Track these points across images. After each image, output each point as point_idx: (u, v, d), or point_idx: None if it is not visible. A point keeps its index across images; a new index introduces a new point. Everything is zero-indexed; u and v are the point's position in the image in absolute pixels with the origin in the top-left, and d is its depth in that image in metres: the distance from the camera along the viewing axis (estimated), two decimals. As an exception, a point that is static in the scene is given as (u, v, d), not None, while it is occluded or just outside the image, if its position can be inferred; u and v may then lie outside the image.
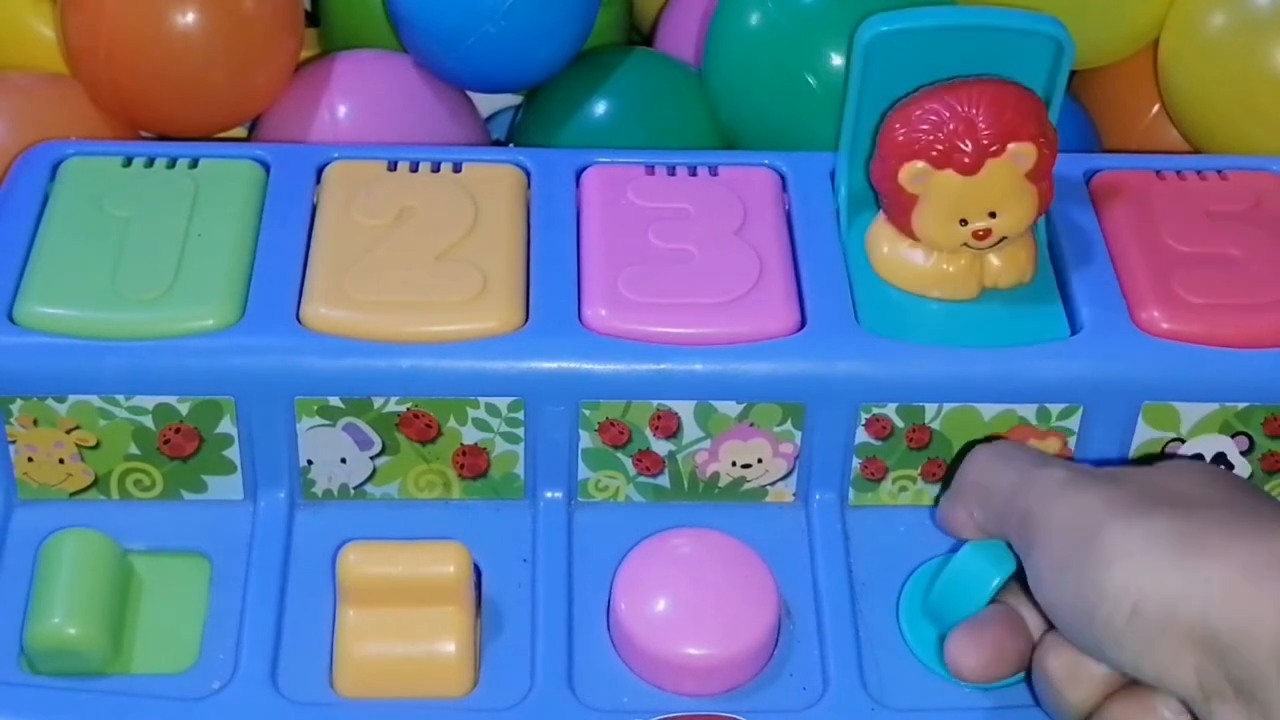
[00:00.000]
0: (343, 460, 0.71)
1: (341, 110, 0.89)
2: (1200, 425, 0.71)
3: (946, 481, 0.72)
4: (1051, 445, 0.71)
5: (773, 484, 0.72)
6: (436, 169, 0.76)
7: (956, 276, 0.72)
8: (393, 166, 0.76)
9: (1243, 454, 0.72)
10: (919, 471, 0.72)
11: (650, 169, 0.77)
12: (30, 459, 0.70)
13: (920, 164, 0.68)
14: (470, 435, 0.70)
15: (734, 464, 0.72)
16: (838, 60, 0.84)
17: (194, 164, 0.76)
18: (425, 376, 0.69)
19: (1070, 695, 0.62)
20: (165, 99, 0.86)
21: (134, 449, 0.70)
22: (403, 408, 0.70)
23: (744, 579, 0.68)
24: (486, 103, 0.98)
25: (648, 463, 0.72)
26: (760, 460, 0.72)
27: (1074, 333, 0.71)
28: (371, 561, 0.65)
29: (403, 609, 0.65)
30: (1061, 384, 0.70)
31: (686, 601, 0.67)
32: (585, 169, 0.77)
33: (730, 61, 0.89)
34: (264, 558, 0.70)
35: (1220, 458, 0.72)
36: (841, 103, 0.73)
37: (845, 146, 0.74)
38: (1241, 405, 0.71)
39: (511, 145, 0.98)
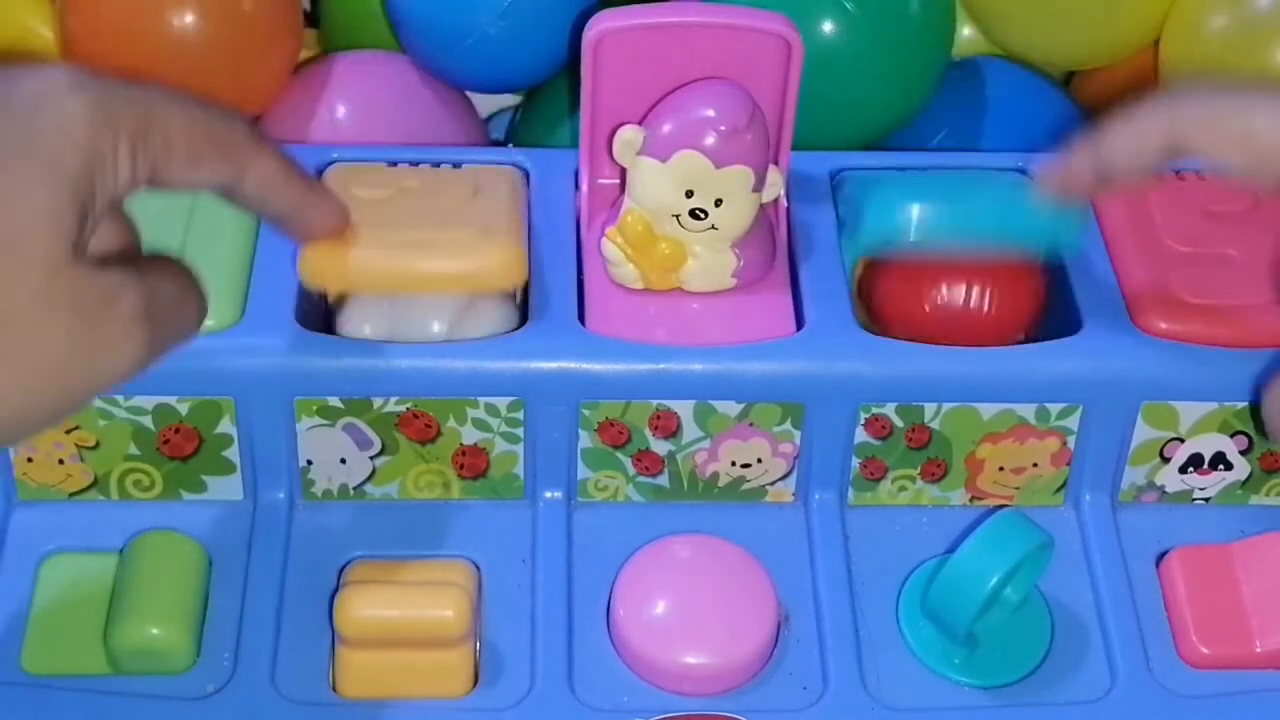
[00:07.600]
0: (342, 460, 0.71)
1: (341, 111, 0.89)
2: (1199, 424, 0.71)
3: (946, 482, 0.72)
4: (1051, 445, 0.71)
5: (772, 484, 0.72)
6: (436, 169, 0.76)
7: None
8: (393, 166, 0.76)
9: (1242, 453, 0.72)
10: (918, 471, 0.72)
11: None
12: (29, 459, 0.70)
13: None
14: (470, 435, 0.70)
15: (733, 464, 0.72)
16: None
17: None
18: (425, 376, 0.69)
19: None
20: (164, 99, 0.86)
21: (134, 449, 0.70)
22: (402, 408, 0.70)
23: (743, 586, 0.68)
24: (486, 103, 0.98)
25: (647, 462, 0.71)
26: (760, 460, 0.72)
27: (1074, 333, 0.71)
28: (372, 604, 0.65)
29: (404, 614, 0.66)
30: (1061, 383, 0.70)
31: (685, 609, 0.67)
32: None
33: None
34: (264, 558, 0.70)
35: (1220, 457, 0.72)
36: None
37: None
38: (1241, 404, 0.71)
39: (511, 145, 0.97)
